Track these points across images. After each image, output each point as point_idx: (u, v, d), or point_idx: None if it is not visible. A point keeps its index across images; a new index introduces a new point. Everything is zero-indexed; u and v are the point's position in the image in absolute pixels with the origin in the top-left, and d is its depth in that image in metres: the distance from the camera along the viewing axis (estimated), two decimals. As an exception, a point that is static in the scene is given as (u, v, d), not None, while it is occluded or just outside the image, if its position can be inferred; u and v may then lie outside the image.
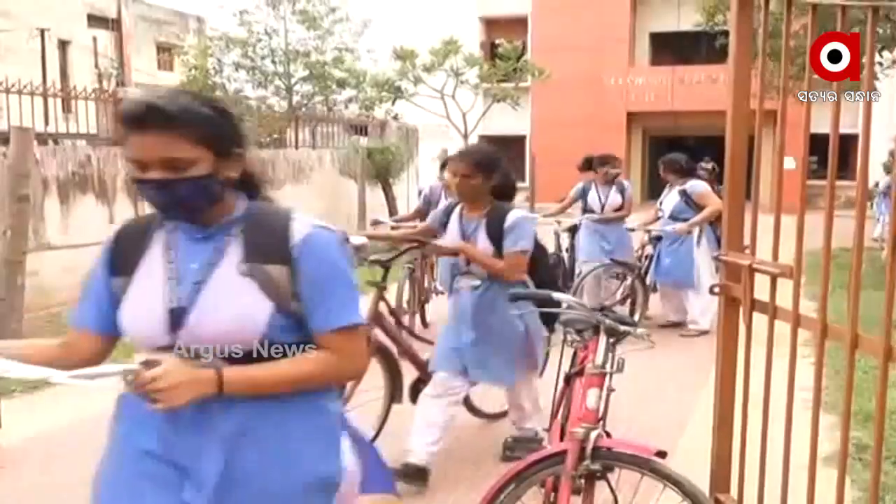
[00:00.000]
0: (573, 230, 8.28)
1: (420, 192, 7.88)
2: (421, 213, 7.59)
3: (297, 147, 14.08)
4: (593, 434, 2.57)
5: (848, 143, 28.80)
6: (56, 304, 8.47)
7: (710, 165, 8.36)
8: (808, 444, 2.69)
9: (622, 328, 2.77)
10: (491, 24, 28.49)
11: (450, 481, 4.25)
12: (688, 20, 26.85)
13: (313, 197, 13.63)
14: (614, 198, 8.05)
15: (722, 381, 3.00)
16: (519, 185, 18.83)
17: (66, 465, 4.50)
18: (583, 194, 8.26)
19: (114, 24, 25.65)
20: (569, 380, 3.50)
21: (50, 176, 8.62)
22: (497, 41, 18.90)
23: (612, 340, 2.78)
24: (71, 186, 8.88)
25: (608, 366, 2.75)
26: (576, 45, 26.20)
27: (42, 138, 8.94)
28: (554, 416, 3.71)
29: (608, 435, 2.68)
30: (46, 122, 9.71)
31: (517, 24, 27.12)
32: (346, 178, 14.19)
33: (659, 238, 7.99)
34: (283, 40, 17.80)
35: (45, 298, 8.35)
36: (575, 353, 3.77)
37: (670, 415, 5.20)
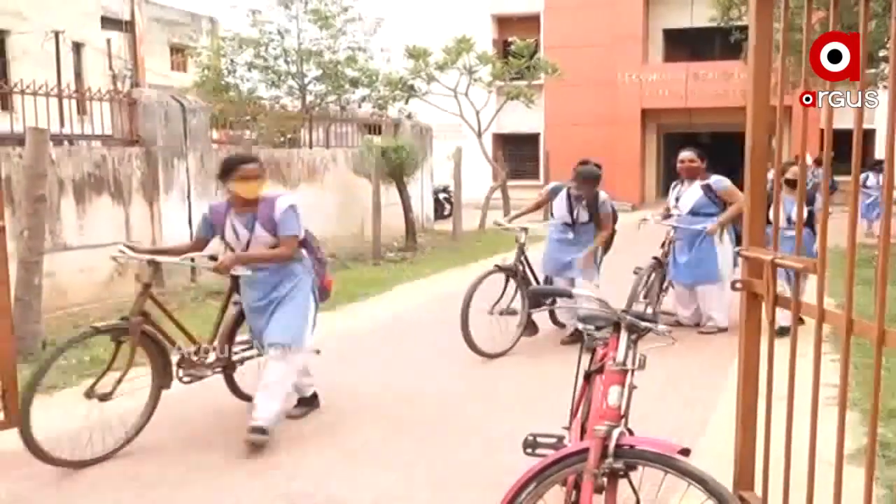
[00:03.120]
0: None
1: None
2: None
3: (311, 147, 14.08)
4: (616, 432, 2.55)
5: (863, 139, 28.59)
6: (73, 305, 8.50)
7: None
8: (832, 441, 2.65)
9: (643, 325, 2.74)
10: (503, 22, 28.42)
11: (465, 480, 4.23)
12: (701, 16, 26.74)
13: (327, 196, 13.63)
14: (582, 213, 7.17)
15: (745, 378, 2.97)
16: (533, 182, 18.88)
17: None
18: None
19: (127, 26, 25.80)
20: (588, 378, 3.47)
21: (65, 177, 8.65)
22: (510, 39, 18.77)
23: (633, 337, 2.75)
24: (86, 187, 8.91)
25: (629, 363, 2.72)
26: (589, 42, 26.11)
27: (57, 139, 8.96)
28: (574, 414, 3.68)
29: (630, 433, 2.65)
30: (62, 124, 9.74)
31: (530, 22, 27.05)
32: (360, 177, 14.18)
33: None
34: (296, 40, 17.79)
35: (61, 299, 8.39)
36: (594, 351, 3.74)
37: (691, 412, 5.16)
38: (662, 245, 7.90)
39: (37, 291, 6.73)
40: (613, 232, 7.45)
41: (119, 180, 9.37)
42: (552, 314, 7.47)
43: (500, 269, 6.93)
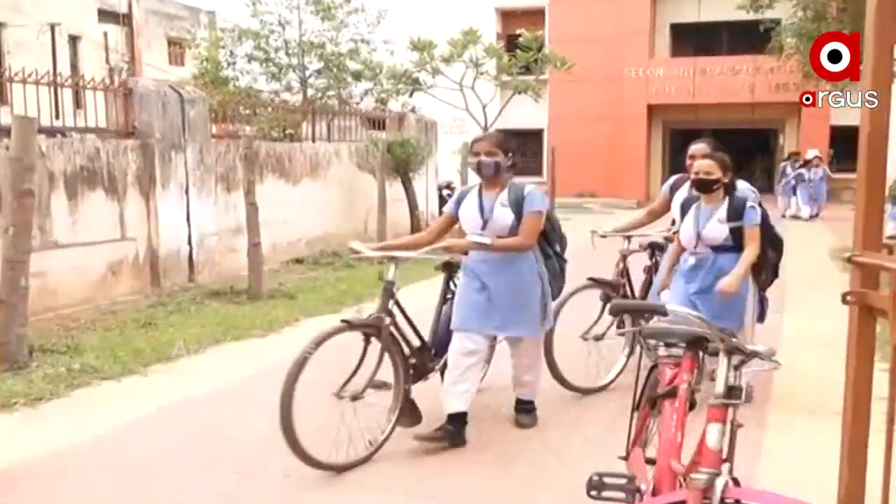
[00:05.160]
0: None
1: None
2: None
3: (314, 141, 13.59)
4: (719, 482, 2.07)
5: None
6: (63, 306, 8.01)
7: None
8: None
9: (749, 348, 2.25)
10: (507, 16, 27.94)
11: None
12: (709, 11, 26.33)
13: (331, 191, 13.15)
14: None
15: (853, 408, 2.48)
16: (537, 179, 18.50)
17: (71, 489, 4.03)
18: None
19: (124, 19, 25.36)
20: (654, 402, 3.00)
21: (57, 170, 8.15)
22: (518, 31, 18.27)
23: (734, 363, 2.26)
24: (79, 181, 8.40)
25: (732, 395, 2.23)
26: (594, 36, 25.65)
27: (49, 132, 8.45)
28: (633, 442, 3.21)
29: (737, 482, 2.16)
30: (57, 116, 9.25)
31: (534, 16, 26.57)
32: (364, 172, 13.70)
33: (656, 248, 6.06)
34: (297, 31, 17.30)
35: (52, 300, 7.89)
36: (651, 370, 3.27)
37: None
38: (619, 264, 5.90)
39: (23, 293, 6.22)
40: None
41: (113, 174, 8.85)
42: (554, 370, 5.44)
43: (351, 325, 4.31)
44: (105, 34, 24.34)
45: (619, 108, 26.00)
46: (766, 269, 5.23)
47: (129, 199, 9.07)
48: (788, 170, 20.30)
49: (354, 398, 4.18)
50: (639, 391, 3.37)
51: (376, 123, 15.66)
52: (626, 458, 3.34)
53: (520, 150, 22.43)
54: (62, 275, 8.10)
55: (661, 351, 2.93)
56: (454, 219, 4.81)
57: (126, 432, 4.91)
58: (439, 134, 18.11)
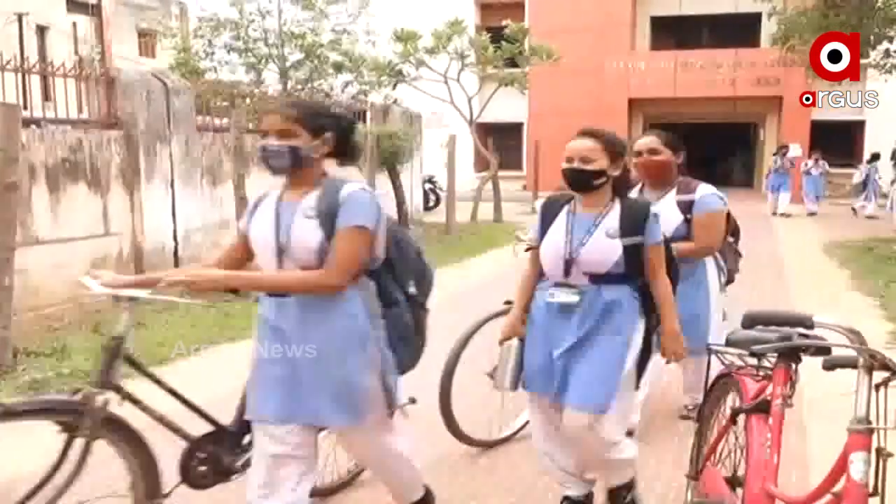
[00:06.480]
0: None
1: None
2: None
3: (297, 133, 13.19)
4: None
5: (853, 130, 28.20)
6: (46, 305, 7.59)
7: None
8: None
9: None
10: (487, 8, 27.66)
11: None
12: (689, 4, 26.23)
13: (316, 186, 12.80)
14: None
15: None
16: (516, 173, 18.28)
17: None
18: None
19: (94, 10, 24.77)
20: (735, 416, 2.72)
21: (38, 162, 7.72)
22: (504, 23, 17.92)
23: (876, 382, 1.97)
24: (60, 174, 7.98)
25: (880, 419, 1.94)
26: (575, 28, 25.38)
27: (26, 122, 8.01)
28: (706, 458, 2.93)
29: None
30: (25, 108, 8.80)
31: (514, 8, 26.21)
32: (348, 164, 13.34)
33: None
34: (277, 21, 16.87)
35: (34, 299, 7.47)
36: (717, 380, 3.00)
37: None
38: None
39: (7, 293, 5.84)
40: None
41: (96, 167, 8.44)
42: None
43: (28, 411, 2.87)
44: (74, 25, 23.76)
45: (599, 102, 25.79)
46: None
47: (112, 193, 8.66)
48: (776, 163, 19.75)
49: None
50: (707, 403, 3.10)
51: (357, 115, 15.29)
52: (695, 478, 3.06)
53: (499, 143, 22.10)
54: (44, 272, 7.68)
55: (746, 361, 2.66)
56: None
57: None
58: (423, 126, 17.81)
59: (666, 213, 4.06)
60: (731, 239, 4.78)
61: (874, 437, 1.95)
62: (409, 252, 3.09)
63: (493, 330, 3.95)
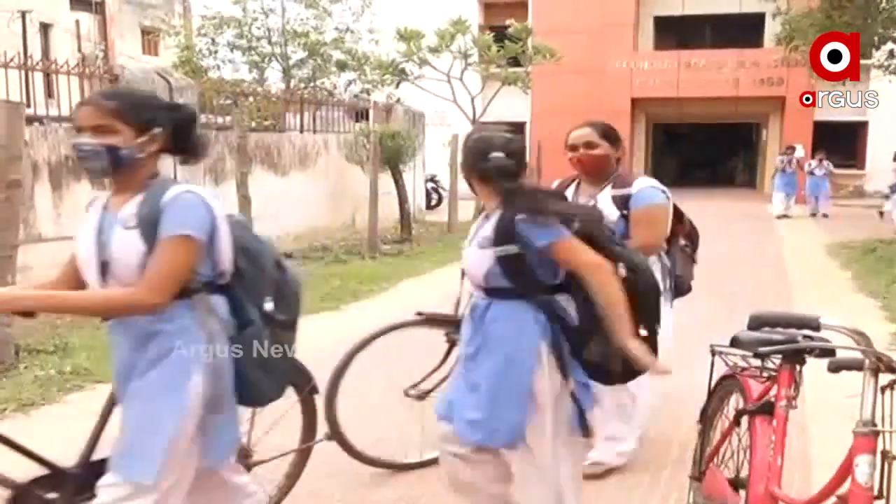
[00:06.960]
0: None
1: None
2: None
3: (301, 131, 13.20)
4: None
5: (856, 131, 28.07)
6: (48, 303, 7.59)
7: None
8: None
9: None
10: (490, 8, 27.61)
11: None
12: (693, 4, 26.20)
13: (319, 184, 12.80)
14: None
15: None
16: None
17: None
18: None
19: (97, 7, 24.82)
20: (739, 418, 2.72)
21: (41, 160, 7.73)
22: (508, 22, 17.89)
23: (882, 384, 1.96)
24: (64, 171, 7.98)
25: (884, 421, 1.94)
26: (578, 28, 25.36)
27: (29, 120, 8.03)
28: (709, 459, 2.93)
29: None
30: (28, 105, 8.81)
31: (517, 8, 26.19)
32: (352, 164, 13.35)
33: None
34: (281, 19, 16.91)
35: (36, 297, 7.47)
36: (721, 381, 2.99)
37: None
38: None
39: (10, 290, 5.83)
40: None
41: (99, 165, 8.44)
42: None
43: None
44: (77, 22, 23.80)
45: (602, 102, 25.75)
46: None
47: (115, 191, 8.66)
48: (784, 163, 19.30)
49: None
50: (710, 404, 3.10)
51: (359, 114, 15.32)
52: (698, 479, 3.06)
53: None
54: (47, 270, 7.66)
55: (750, 362, 2.66)
56: None
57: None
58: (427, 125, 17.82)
59: (602, 209, 3.59)
60: (683, 242, 4.28)
61: (880, 439, 1.95)
62: (264, 262, 2.62)
63: (402, 342, 3.94)
